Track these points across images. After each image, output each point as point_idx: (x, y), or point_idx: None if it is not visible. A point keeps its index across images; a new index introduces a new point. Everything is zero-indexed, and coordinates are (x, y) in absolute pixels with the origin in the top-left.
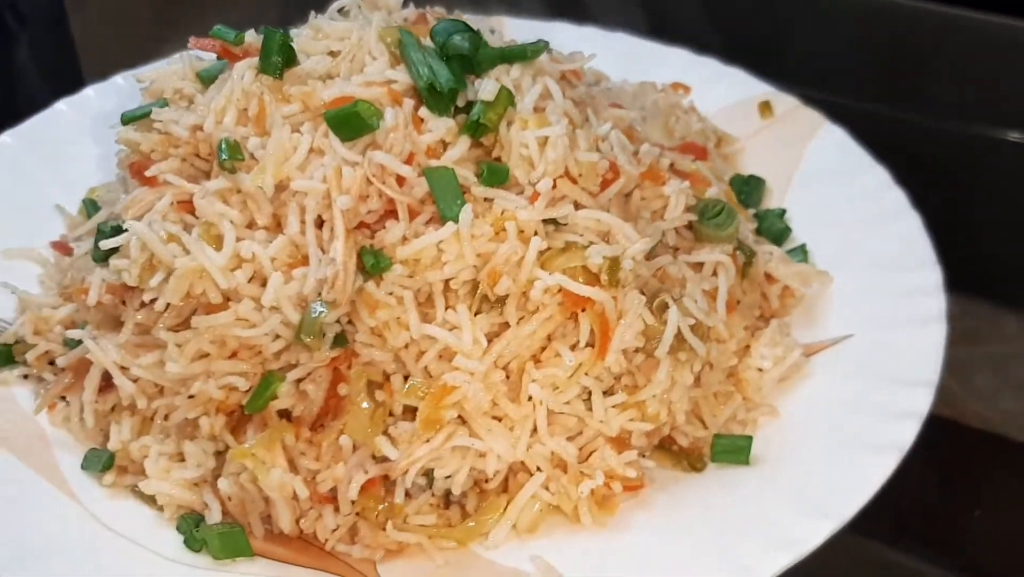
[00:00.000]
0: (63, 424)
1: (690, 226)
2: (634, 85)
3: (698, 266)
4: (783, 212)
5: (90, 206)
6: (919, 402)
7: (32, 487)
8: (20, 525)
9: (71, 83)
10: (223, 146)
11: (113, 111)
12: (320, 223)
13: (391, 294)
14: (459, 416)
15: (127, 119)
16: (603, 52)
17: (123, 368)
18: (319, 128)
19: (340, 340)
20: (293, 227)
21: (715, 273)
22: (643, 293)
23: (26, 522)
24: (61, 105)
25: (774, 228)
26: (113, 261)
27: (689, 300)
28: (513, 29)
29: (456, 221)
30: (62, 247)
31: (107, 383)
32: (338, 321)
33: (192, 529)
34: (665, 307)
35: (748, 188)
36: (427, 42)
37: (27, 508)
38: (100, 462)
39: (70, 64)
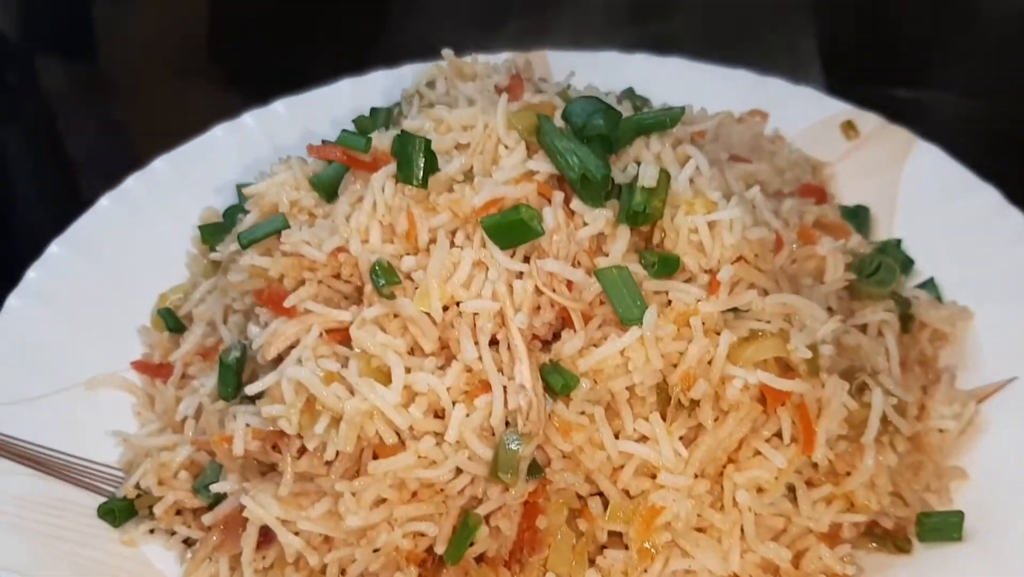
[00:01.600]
0: None
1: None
2: (712, 118)
3: (863, 328)
4: (899, 242)
5: (167, 316)
6: None
7: None
8: None
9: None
10: (377, 271)
11: (160, 199)
12: (491, 342)
13: (582, 413)
14: None
15: (247, 242)
16: (660, 80)
17: (286, 521)
18: (474, 237)
19: (534, 469)
20: (469, 352)
21: (880, 333)
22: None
23: None
24: (104, 201)
25: (896, 260)
26: (264, 409)
27: (885, 376)
28: (558, 61)
29: (640, 324)
30: (148, 368)
31: (264, 538)
32: None
33: None
34: (864, 388)
35: (856, 220)
36: (557, 119)
37: None
38: None
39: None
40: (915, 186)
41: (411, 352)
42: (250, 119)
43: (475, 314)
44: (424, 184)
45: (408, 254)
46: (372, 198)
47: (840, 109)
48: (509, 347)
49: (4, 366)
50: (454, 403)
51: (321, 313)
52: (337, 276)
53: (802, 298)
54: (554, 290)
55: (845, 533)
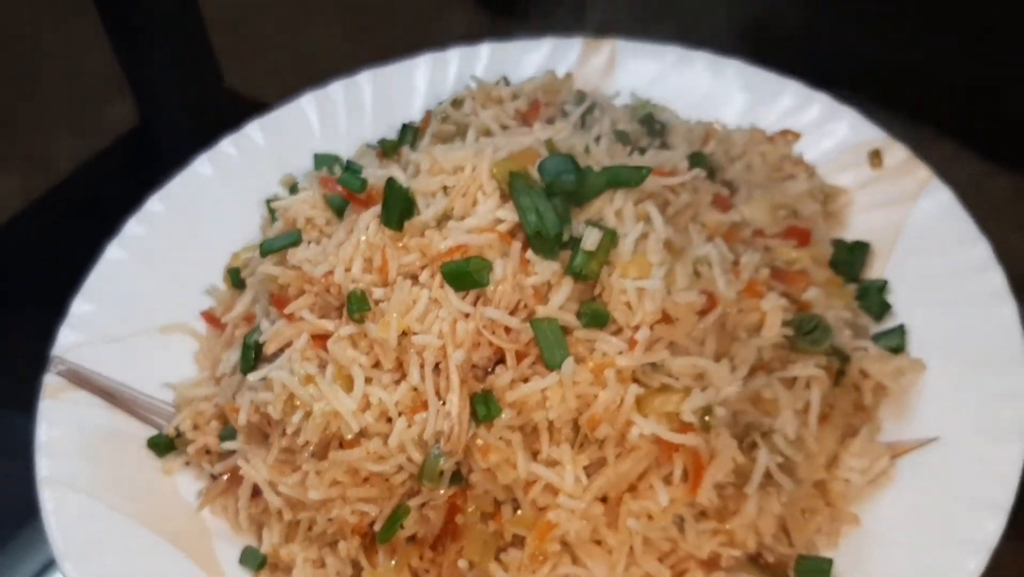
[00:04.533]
0: (222, 513)
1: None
2: (745, 132)
3: (792, 380)
4: (885, 285)
5: (233, 275)
6: (987, 533)
7: None
8: None
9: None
10: (351, 299)
11: (250, 165)
12: (437, 365)
13: (501, 438)
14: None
15: (266, 251)
16: (714, 81)
17: (271, 483)
18: (436, 277)
19: (456, 477)
20: (414, 377)
21: (808, 385)
22: (735, 429)
23: None
24: (203, 167)
25: (875, 304)
26: (260, 394)
27: (779, 436)
28: (626, 53)
29: (560, 369)
30: (213, 320)
31: (258, 491)
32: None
33: None
34: (755, 446)
35: (852, 258)
36: (535, 171)
37: None
38: (255, 561)
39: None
40: (918, 228)
41: (376, 365)
42: (337, 89)
43: (424, 347)
44: (399, 228)
45: (379, 286)
46: (358, 235)
47: (874, 136)
48: (448, 378)
49: (100, 308)
50: (400, 414)
51: (311, 322)
52: (330, 291)
53: (711, 363)
54: (493, 332)
55: (723, 562)
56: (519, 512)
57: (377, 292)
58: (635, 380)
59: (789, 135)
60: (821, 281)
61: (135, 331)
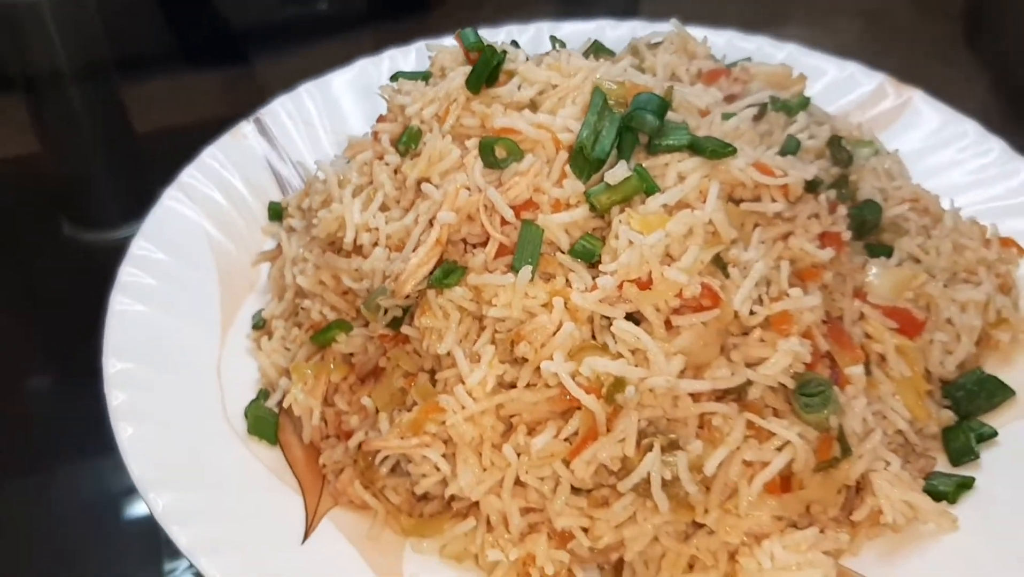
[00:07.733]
0: (271, 274)
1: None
2: (963, 221)
3: (767, 434)
4: (992, 435)
5: None
6: None
7: (207, 316)
8: (168, 336)
9: None
10: (407, 132)
11: None
12: (433, 219)
13: (441, 308)
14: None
15: (396, 76)
16: (990, 170)
17: (293, 261)
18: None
19: (395, 323)
20: (410, 218)
21: (781, 448)
22: (649, 428)
23: (173, 337)
24: None
25: (960, 445)
26: (317, 184)
27: (682, 456)
28: (923, 106)
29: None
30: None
31: None
32: (405, 309)
33: (260, 400)
34: (649, 449)
35: (977, 390)
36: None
37: (184, 330)
38: (255, 320)
39: None
40: None
41: (399, 200)
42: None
43: (427, 197)
44: (475, 91)
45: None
46: (445, 84)
47: None
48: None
49: (314, 103)
50: (387, 247)
51: (380, 144)
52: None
53: (656, 347)
54: (490, 215)
55: (573, 545)
56: (424, 384)
57: (428, 137)
58: (592, 326)
59: (1014, 248)
60: (895, 376)
61: (331, 130)
